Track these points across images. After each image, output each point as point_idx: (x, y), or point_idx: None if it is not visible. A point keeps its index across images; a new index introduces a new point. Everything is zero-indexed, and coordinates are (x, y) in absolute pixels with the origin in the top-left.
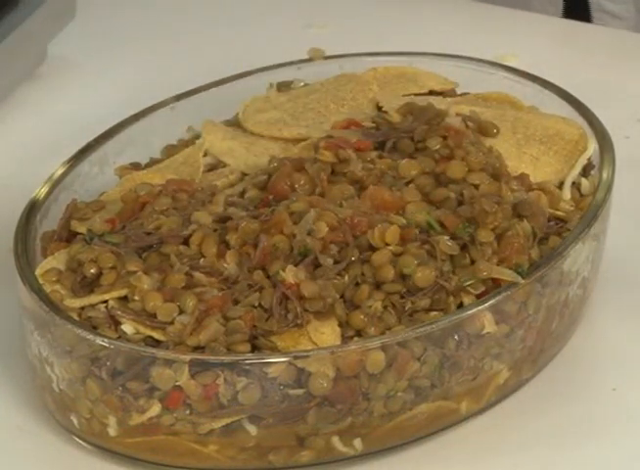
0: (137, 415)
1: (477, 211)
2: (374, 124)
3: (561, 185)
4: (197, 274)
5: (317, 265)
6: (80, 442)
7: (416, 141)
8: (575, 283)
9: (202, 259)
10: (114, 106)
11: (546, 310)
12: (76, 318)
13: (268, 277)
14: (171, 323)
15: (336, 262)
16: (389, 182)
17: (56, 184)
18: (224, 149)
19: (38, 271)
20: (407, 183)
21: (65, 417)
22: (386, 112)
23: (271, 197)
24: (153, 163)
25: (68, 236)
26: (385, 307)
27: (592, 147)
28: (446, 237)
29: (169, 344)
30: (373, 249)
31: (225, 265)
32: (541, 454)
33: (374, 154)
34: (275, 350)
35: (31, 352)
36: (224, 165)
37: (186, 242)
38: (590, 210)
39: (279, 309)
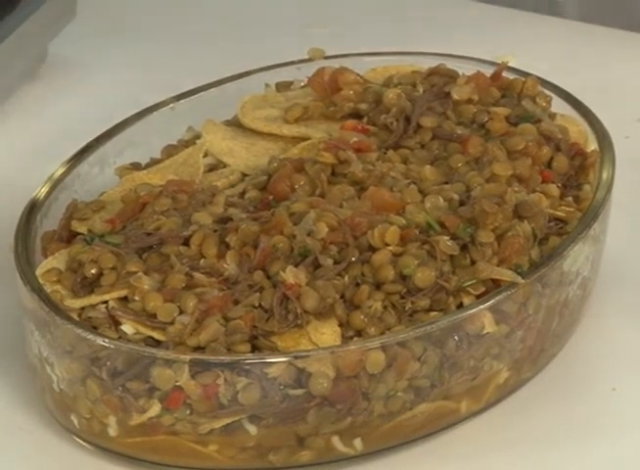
0: (137, 415)
1: (477, 211)
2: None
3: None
4: (197, 275)
5: (317, 266)
6: (80, 442)
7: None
8: (575, 283)
9: (202, 260)
10: (114, 106)
11: (546, 310)
12: (76, 318)
13: (268, 278)
14: (171, 323)
15: (336, 263)
16: (390, 183)
17: (56, 184)
18: (224, 149)
19: (38, 271)
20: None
21: (65, 417)
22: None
23: (271, 197)
24: (153, 163)
25: (68, 236)
26: (385, 308)
27: (592, 147)
28: (446, 237)
29: (169, 344)
30: (373, 249)
31: (225, 266)
32: (541, 454)
33: (374, 155)
34: (275, 350)
35: (31, 352)
36: (224, 166)
37: (186, 242)
38: (590, 210)
39: (279, 310)
